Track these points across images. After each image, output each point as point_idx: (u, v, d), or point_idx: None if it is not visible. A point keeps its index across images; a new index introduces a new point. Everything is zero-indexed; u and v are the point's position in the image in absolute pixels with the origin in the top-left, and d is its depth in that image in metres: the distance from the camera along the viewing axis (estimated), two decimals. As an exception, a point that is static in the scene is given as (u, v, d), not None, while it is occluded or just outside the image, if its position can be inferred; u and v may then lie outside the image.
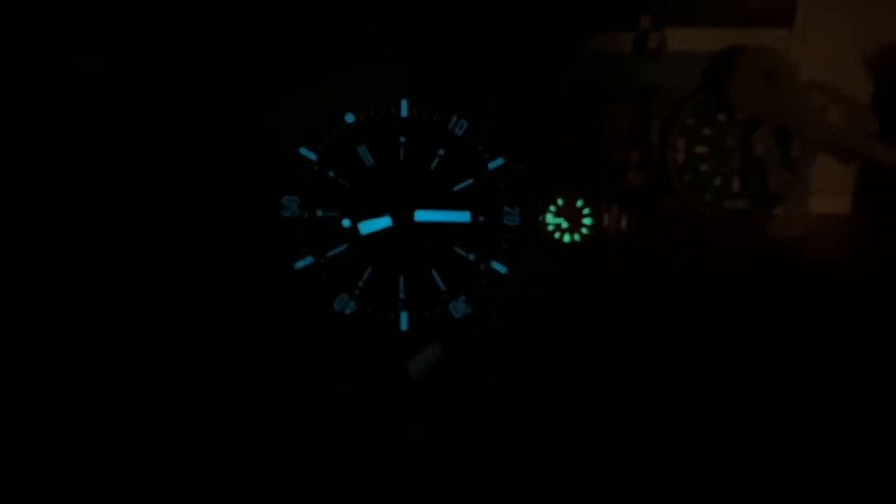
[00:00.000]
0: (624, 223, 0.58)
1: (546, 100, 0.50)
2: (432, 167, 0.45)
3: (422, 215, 0.45)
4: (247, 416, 0.40)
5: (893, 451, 0.39)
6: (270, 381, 0.41)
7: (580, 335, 0.47)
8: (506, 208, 0.46)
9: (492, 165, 0.45)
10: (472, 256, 0.46)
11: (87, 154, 0.41)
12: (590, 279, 0.54)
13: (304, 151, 0.44)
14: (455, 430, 0.42)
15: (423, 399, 0.44)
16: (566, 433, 0.40)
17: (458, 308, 0.47)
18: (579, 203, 0.57)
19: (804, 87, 0.57)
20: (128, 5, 0.41)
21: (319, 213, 0.45)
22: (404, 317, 0.47)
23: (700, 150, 0.60)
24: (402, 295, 0.46)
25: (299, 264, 0.45)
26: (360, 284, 0.46)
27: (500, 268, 0.47)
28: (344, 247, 0.46)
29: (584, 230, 0.58)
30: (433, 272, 0.46)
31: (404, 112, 0.45)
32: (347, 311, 0.46)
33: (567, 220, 0.58)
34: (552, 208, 0.57)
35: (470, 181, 0.45)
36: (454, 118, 0.45)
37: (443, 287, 0.46)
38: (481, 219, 0.46)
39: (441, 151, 0.45)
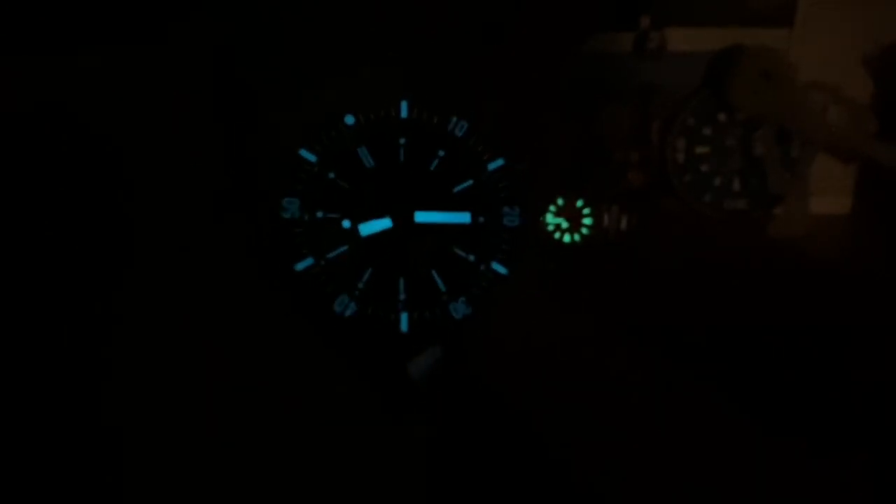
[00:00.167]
0: (624, 223, 0.58)
1: (546, 100, 0.50)
2: (432, 168, 0.45)
3: (422, 216, 0.45)
4: (247, 417, 0.40)
5: (893, 451, 0.39)
6: (271, 382, 0.41)
7: (580, 335, 0.47)
8: (506, 209, 0.46)
9: (492, 166, 0.45)
10: (472, 257, 0.46)
11: (87, 154, 0.41)
12: (590, 279, 0.54)
13: (303, 153, 0.44)
14: (455, 431, 0.42)
15: (423, 399, 0.44)
16: (566, 433, 0.40)
17: (459, 309, 0.47)
18: (579, 203, 0.57)
19: (804, 87, 0.57)
20: (128, 5, 0.41)
21: (319, 214, 0.45)
22: (404, 318, 0.47)
23: (700, 150, 0.59)
24: (402, 296, 0.46)
25: (299, 266, 0.45)
26: (361, 285, 0.46)
27: (501, 268, 0.47)
28: (344, 248, 0.46)
29: (584, 230, 0.58)
30: (433, 273, 0.46)
31: (404, 113, 0.45)
32: (348, 313, 0.46)
33: (567, 220, 0.58)
34: (552, 208, 0.57)
35: (470, 182, 0.45)
36: (454, 119, 0.45)
37: (443, 288, 0.46)
38: (481, 220, 0.46)
39: (441, 152, 0.45)
